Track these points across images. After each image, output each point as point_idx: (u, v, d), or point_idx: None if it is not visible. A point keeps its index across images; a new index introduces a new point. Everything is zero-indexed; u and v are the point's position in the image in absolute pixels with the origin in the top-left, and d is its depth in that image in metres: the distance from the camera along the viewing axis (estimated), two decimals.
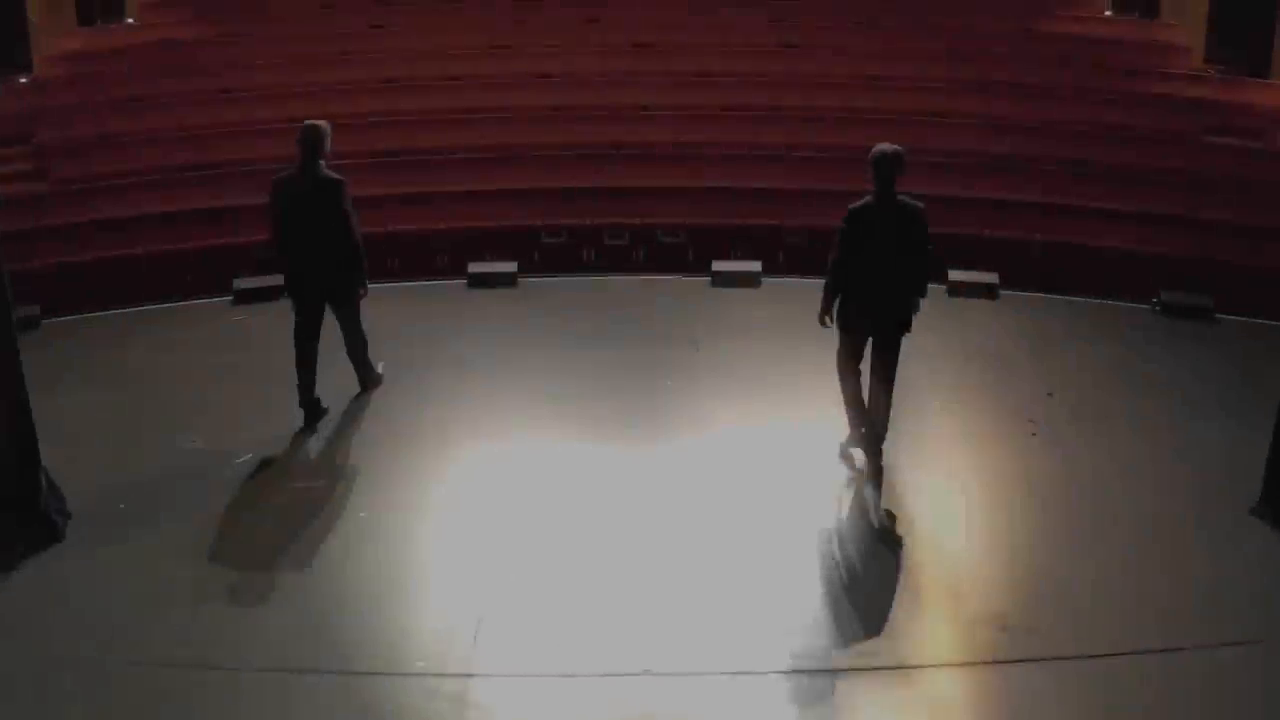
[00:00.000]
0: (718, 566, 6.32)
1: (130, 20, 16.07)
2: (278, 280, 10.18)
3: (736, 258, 10.94)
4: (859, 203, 6.86)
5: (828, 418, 7.70)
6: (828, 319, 7.07)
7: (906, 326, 7.05)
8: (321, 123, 7.66)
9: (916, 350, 8.99)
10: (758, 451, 7.52)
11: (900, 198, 6.81)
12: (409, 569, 6.33)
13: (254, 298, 10.12)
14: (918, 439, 7.66)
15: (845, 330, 7.08)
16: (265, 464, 7.44)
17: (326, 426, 7.91)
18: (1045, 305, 10.16)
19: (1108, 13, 16.01)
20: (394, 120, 13.35)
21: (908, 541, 6.57)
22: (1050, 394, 8.39)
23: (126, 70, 14.41)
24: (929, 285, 7.23)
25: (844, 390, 7.23)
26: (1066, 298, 10.35)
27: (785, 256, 11.14)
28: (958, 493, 7.10)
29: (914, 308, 7.03)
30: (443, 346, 9.13)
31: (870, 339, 7.06)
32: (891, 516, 6.83)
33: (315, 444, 7.71)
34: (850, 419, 7.32)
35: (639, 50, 14.85)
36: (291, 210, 7.62)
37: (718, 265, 10.55)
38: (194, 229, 11.60)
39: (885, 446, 7.25)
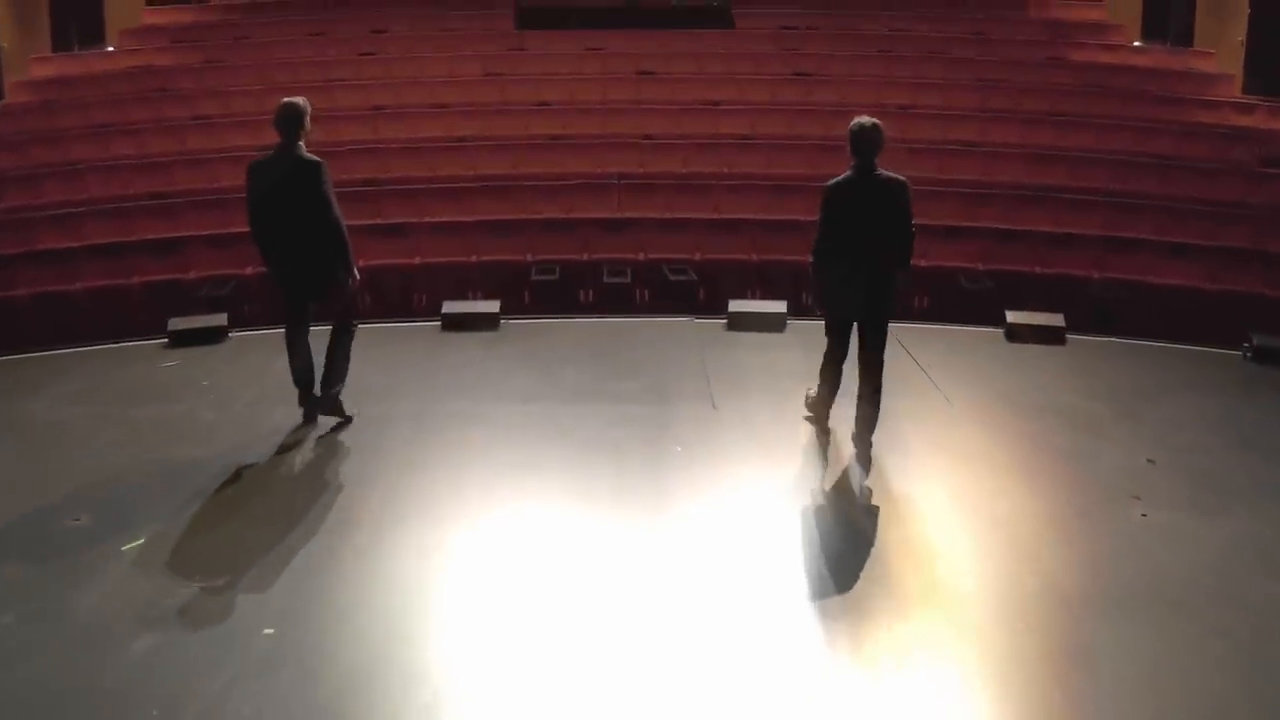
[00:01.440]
0: (719, 683, 4.18)
1: (110, 48, 14.16)
2: (219, 320, 8.24)
3: (755, 297, 8.84)
4: (837, 178, 5.97)
5: (875, 493, 5.62)
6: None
7: (892, 306, 6.10)
8: (299, 99, 6.26)
9: (978, 407, 6.92)
10: (787, 535, 5.37)
11: (881, 173, 5.91)
12: (317, 716, 4.17)
13: (191, 340, 7.99)
14: (994, 526, 5.49)
15: (829, 312, 6.22)
16: (158, 553, 5.27)
17: (242, 505, 5.76)
18: (1120, 351, 7.99)
19: (1136, 43, 14.08)
20: (376, 148, 11.36)
21: (1002, 681, 4.40)
22: (1151, 461, 6.24)
23: (98, 97, 12.53)
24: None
25: (822, 373, 6.33)
26: (1140, 342, 8.20)
27: (811, 296, 9.02)
28: (1059, 600, 4.92)
29: (902, 283, 6.24)
30: (402, 401, 6.95)
31: (855, 322, 6.12)
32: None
33: (224, 527, 5.55)
34: (820, 391, 6.40)
35: (643, 79, 12.92)
36: (270, 196, 6.19)
37: (735, 305, 8.39)
38: (141, 262, 9.54)
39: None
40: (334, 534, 5.41)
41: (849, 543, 5.31)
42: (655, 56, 13.31)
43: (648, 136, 11.60)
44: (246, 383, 7.18)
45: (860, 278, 5.90)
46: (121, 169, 11.00)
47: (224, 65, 13.03)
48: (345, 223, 6.32)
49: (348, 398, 6.64)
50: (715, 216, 10.08)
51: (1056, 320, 8.01)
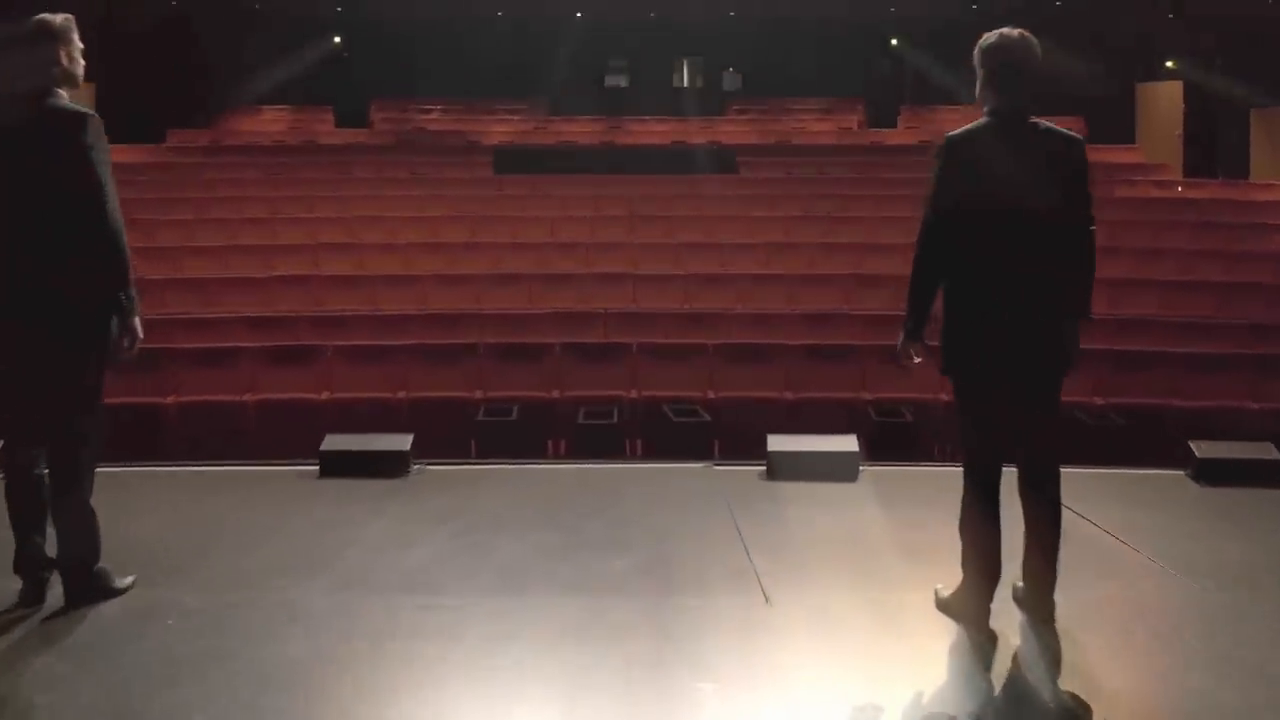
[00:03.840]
0: None
1: None
2: None
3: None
4: (963, 129, 3.02)
5: None
6: (914, 351, 3.05)
7: (1065, 365, 3.00)
8: (58, 16, 3.22)
9: (1228, 590, 3.53)
10: None
11: (1037, 121, 2.98)
12: None
13: None
14: None
15: (964, 381, 3.02)
16: None
17: None
18: None
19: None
20: (313, 276, 8.34)
21: None
22: None
23: None
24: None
25: (964, 544, 3.03)
26: None
27: (870, 438, 5.74)
28: None
29: (1071, 338, 2.99)
30: (205, 579, 3.45)
31: (1010, 394, 2.96)
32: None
33: None
34: (972, 560, 3.03)
35: (638, 219, 10.10)
36: None
37: (777, 442, 4.84)
38: None
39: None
40: None
41: None
42: (652, 199, 10.57)
43: (641, 271, 8.63)
44: None
45: (1012, 311, 2.93)
46: None
47: (156, 200, 10.24)
48: (121, 219, 3.14)
49: (122, 565, 3.33)
50: (732, 341, 6.88)
51: (1267, 452, 4.68)
